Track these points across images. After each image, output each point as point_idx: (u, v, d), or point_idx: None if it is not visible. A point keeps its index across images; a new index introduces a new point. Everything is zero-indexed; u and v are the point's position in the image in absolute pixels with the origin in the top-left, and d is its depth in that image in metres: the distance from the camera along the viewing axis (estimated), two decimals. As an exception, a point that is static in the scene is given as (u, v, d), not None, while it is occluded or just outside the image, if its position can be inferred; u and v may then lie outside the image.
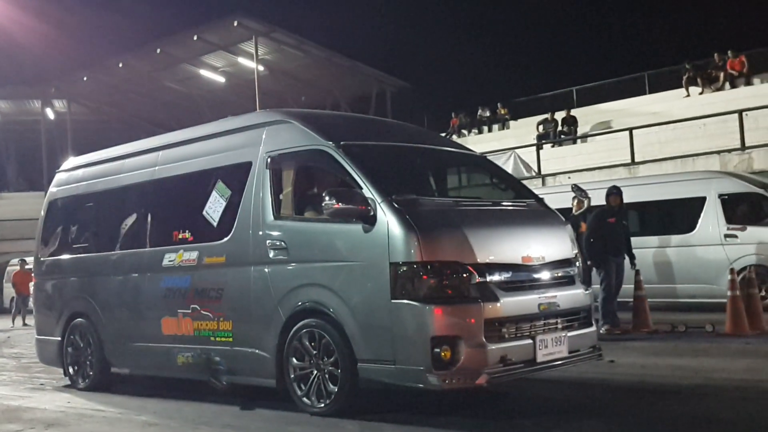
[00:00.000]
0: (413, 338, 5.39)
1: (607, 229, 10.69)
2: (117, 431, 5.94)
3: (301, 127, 6.47)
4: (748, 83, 22.58)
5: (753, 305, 9.92)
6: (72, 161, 9.60)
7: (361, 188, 5.77)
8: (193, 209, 7.14)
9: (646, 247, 12.95)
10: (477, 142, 25.46)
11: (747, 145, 17.63)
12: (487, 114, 29.74)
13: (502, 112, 29.26)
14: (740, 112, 18.06)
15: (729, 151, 17.82)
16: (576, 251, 6.49)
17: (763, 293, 11.76)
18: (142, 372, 7.82)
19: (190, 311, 6.93)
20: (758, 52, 23.69)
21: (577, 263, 6.45)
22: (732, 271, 10.31)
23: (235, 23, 28.24)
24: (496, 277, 5.65)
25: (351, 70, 32.51)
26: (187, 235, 7.19)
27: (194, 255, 6.99)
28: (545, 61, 48.63)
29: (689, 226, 13.10)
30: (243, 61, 31.36)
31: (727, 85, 22.65)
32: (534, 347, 5.70)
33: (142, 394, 7.48)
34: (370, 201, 5.67)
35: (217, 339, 6.70)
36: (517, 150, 22.70)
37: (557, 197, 11.48)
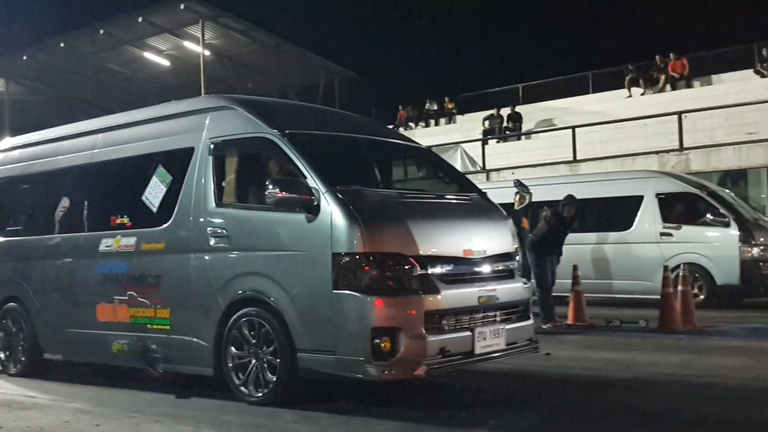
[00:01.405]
0: (354, 329, 5.41)
1: (555, 238, 10.85)
2: (48, 418, 5.81)
3: (246, 114, 6.39)
4: (689, 86, 23.21)
5: (686, 302, 10.20)
6: (8, 141, 9.34)
7: (306, 178, 5.74)
8: (132, 194, 7.01)
9: (584, 244, 13.23)
10: (424, 136, 25.57)
11: (685, 146, 18.13)
12: (435, 107, 29.92)
13: (449, 106, 29.47)
14: (680, 114, 18.56)
15: (667, 151, 18.30)
16: (516, 245, 6.58)
17: (696, 291, 12.15)
18: (76, 359, 7.64)
19: (126, 298, 6.81)
20: (699, 56, 24.36)
21: (517, 257, 6.55)
22: (666, 268, 10.59)
23: (182, 6, 27.73)
24: (437, 270, 5.70)
25: (299, 59, 32.26)
26: (126, 220, 7.06)
27: (132, 241, 6.86)
28: (492, 57, 49.08)
29: (627, 223, 13.42)
30: (189, 45, 30.85)
31: (668, 87, 23.23)
32: (473, 339, 5.77)
33: (75, 381, 7.32)
34: (314, 191, 5.65)
35: (154, 327, 6.59)
36: (462, 144, 22.90)
37: (501, 192, 11.63)
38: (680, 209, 13.10)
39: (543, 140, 22.99)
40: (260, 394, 5.85)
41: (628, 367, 7.43)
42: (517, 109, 25.60)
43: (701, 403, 5.83)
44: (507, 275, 6.31)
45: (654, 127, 19.48)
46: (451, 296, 5.67)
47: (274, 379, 5.78)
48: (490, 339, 5.92)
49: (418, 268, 5.58)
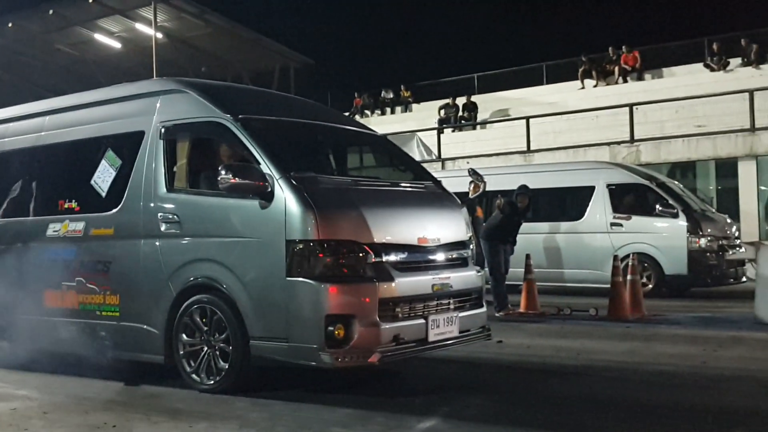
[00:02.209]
0: (307, 316, 5.38)
1: (509, 227, 10.96)
2: (-8, 408, 5.66)
3: (198, 98, 6.29)
4: (640, 78, 23.58)
5: (634, 291, 10.40)
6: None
7: (259, 164, 5.68)
8: (80, 178, 6.86)
9: (537, 233, 13.39)
10: (380, 123, 25.58)
11: (636, 138, 18.45)
12: (391, 96, 29.89)
13: (405, 94, 29.47)
14: (631, 106, 18.87)
15: (619, 143, 18.61)
16: (470, 234, 6.62)
17: (644, 280, 12.40)
18: (24, 345, 7.46)
19: (74, 284, 6.67)
20: (651, 49, 24.76)
21: (471, 245, 6.58)
22: (616, 258, 10.77)
23: (134, -13, 27.17)
24: (391, 258, 5.70)
25: (254, 44, 31.86)
26: (74, 204, 6.90)
27: (80, 226, 6.72)
28: (448, 47, 49.31)
29: (578, 213, 13.62)
30: (141, 27, 30.21)
31: (620, 79, 23.58)
32: (426, 327, 5.80)
33: (23, 369, 7.14)
34: (267, 177, 5.59)
35: (103, 313, 6.48)
36: (418, 133, 22.94)
37: (455, 181, 11.70)
38: (630, 200, 13.33)
39: (497, 130, 23.16)
40: (212, 382, 5.79)
41: (578, 354, 7.54)
42: (473, 98, 25.73)
43: (649, 390, 5.95)
44: (461, 263, 6.34)
45: (606, 118, 19.77)
46: (405, 284, 5.68)
47: (227, 367, 5.73)
48: (444, 326, 5.96)
49: (373, 256, 5.57)
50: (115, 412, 5.37)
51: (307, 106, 7.73)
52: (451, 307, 6.10)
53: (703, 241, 12.66)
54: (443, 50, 48.28)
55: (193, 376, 5.90)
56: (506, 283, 10.97)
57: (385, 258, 5.65)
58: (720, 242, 12.88)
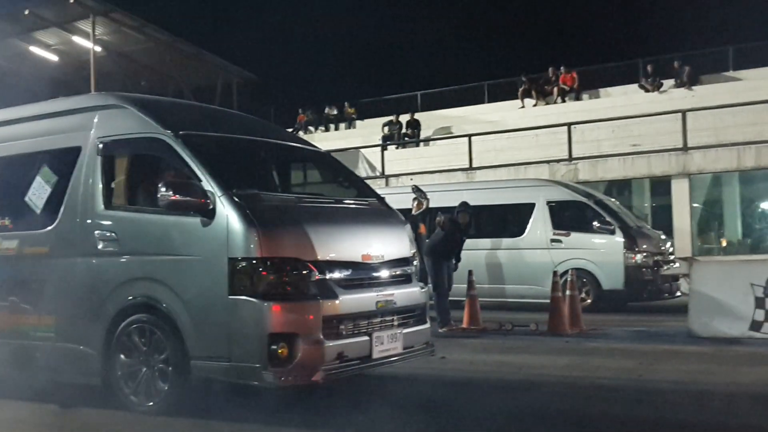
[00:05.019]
0: (250, 335, 5.32)
1: (452, 244, 11.04)
2: None
3: (137, 113, 6.19)
4: (578, 98, 24.13)
5: (573, 306, 10.58)
6: None
7: (200, 180, 5.61)
8: (14, 195, 6.67)
9: (479, 249, 13.53)
10: (323, 140, 25.52)
11: (574, 156, 18.84)
12: (335, 112, 29.89)
13: (349, 111, 29.52)
14: (569, 125, 19.28)
15: (558, 161, 18.98)
16: (414, 250, 6.65)
17: (583, 295, 12.63)
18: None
19: (7, 304, 6.46)
20: (588, 70, 25.37)
21: (415, 262, 6.61)
22: (555, 273, 10.95)
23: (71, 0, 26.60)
24: (335, 275, 5.68)
25: (196, 58, 31.50)
26: (7, 222, 6.71)
27: (14, 244, 6.52)
28: (392, 64, 49.72)
29: (519, 230, 13.83)
30: (78, 40, 29.58)
31: (559, 99, 24.09)
32: (370, 344, 5.79)
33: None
34: (209, 194, 5.53)
35: (38, 334, 6.28)
36: (362, 150, 22.99)
37: (399, 198, 11.76)
38: (569, 217, 13.60)
39: (441, 147, 23.35)
40: (151, 403, 5.66)
41: (520, 369, 7.63)
42: (416, 116, 25.92)
43: (587, 404, 6.05)
44: (404, 280, 6.36)
45: (545, 137, 20.14)
46: (349, 301, 5.67)
47: (166, 388, 5.61)
48: (388, 343, 5.96)
49: (316, 273, 5.55)
50: (49, 436, 5.21)
51: (249, 122, 7.68)
52: (395, 323, 6.11)
53: (639, 257, 12.98)
54: (387, 68, 48.64)
55: (132, 397, 5.76)
56: (449, 299, 11.04)
57: (329, 275, 5.63)
58: (655, 258, 13.24)
